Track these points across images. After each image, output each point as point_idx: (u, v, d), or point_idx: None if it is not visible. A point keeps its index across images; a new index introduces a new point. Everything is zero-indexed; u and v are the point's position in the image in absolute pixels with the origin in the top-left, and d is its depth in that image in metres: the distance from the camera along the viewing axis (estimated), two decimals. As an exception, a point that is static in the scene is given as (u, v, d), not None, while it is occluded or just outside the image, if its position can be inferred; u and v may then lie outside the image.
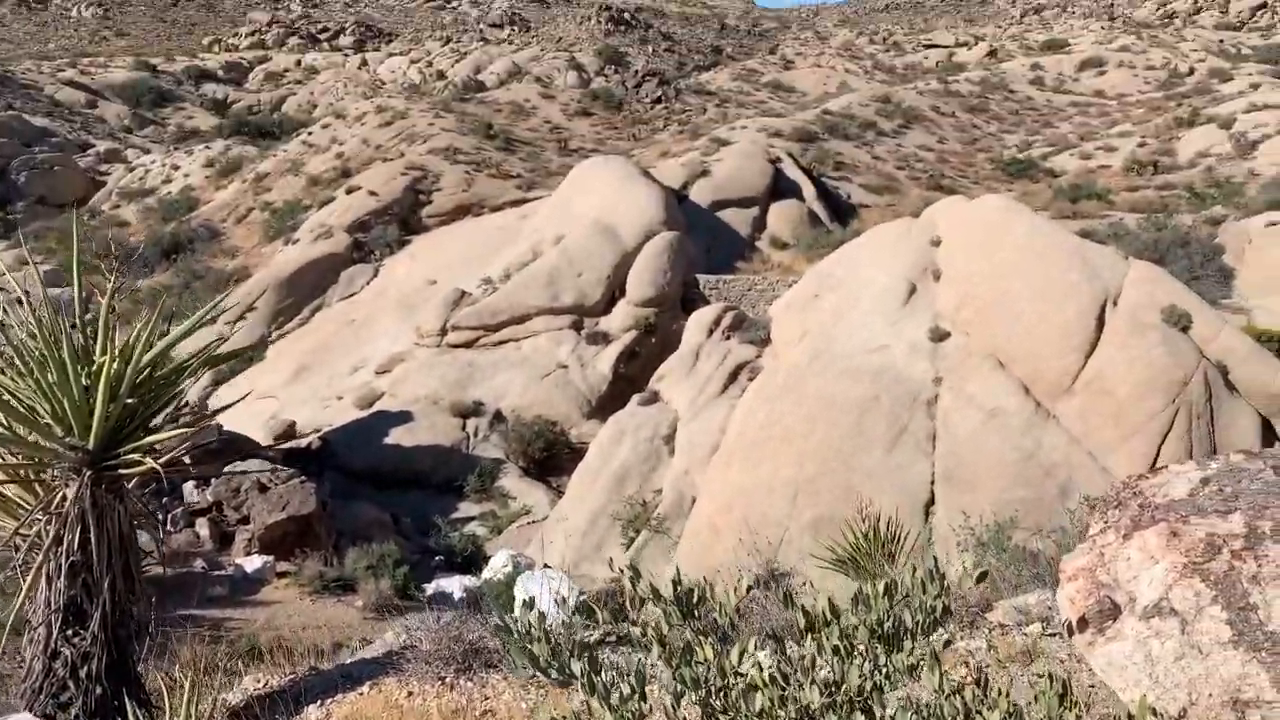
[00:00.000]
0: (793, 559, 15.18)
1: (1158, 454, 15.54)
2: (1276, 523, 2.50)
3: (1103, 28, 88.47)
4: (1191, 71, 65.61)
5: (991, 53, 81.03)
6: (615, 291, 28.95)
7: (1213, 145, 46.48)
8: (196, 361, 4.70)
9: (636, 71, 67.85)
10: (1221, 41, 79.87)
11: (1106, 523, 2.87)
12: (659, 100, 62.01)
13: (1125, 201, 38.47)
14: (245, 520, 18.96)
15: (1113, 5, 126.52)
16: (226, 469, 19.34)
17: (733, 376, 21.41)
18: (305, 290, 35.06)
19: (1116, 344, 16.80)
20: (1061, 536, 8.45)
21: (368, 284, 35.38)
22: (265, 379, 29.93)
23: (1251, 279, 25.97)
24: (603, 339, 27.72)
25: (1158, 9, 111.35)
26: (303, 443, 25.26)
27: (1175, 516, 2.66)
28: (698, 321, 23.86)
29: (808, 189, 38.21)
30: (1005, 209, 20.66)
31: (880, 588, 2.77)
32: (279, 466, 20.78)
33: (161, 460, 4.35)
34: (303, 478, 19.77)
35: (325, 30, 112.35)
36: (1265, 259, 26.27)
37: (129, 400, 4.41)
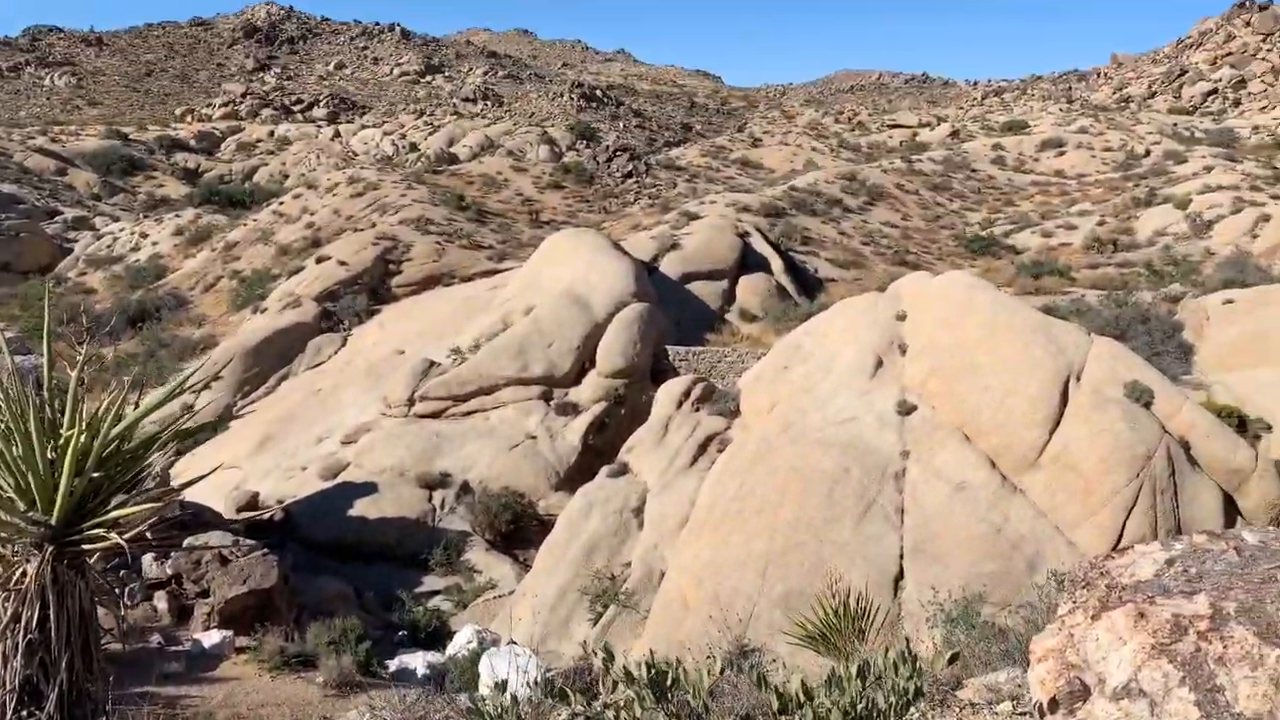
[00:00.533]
0: (763, 634, 15.04)
1: (1123, 528, 15.65)
2: (1240, 604, 2.55)
3: (1061, 110, 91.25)
4: (1148, 153, 67.66)
5: (954, 133, 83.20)
6: (585, 362, 29.00)
7: (1170, 225, 47.79)
8: (166, 435, 4.66)
9: (608, 146, 68.91)
10: (1175, 125, 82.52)
11: (1075, 603, 2.90)
12: (630, 174, 62.91)
13: (1086, 278, 39.29)
14: (205, 594, 18.55)
15: (1070, 89, 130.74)
16: (187, 541, 18.96)
17: (702, 448, 21.41)
18: (272, 359, 34.84)
19: (1081, 418, 17.01)
20: (1030, 613, 8.47)
21: (335, 353, 35.21)
22: (229, 449, 29.53)
23: (1210, 355, 26.44)
24: (572, 410, 27.67)
25: (1114, 93, 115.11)
26: (266, 514, 24.86)
27: (1142, 597, 2.70)
28: (667, 393, 23.92)
29: (776, 263, 38.75)
30: (969, 285, 21.04)
31: (853, 669, 2.77)
32: (241, 539, 20.42)
33: (126, 536, 4.28)
34: (265, 550, 19.41)
35: (299, 102, 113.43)
36: (1223, 336, 26.79)
37: (95, 474, 4.36)
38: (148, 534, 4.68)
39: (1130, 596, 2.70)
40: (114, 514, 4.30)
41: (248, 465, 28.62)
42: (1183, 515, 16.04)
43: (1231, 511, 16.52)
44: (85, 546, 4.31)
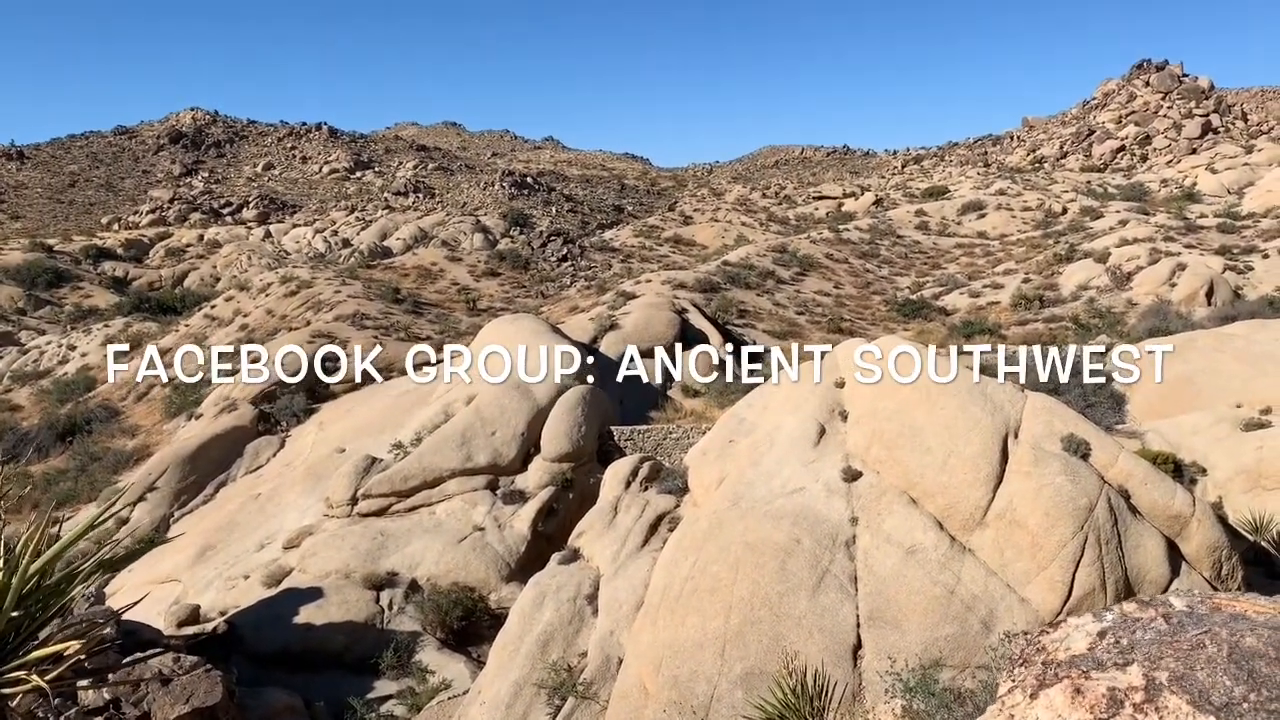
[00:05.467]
0: (725, 716, 14.78)
1: (1073, 581, 15.78)
2: (1172, 673, 2.56)
3: (979, 173, 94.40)
4: (1065, 211, 70.11)
5: (878, 201, 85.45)
6: (530, 448, 28.79)
7: (1092, 278, 49.40)
8: (89, 566, 4.49)
9: (541, 232, 69.59)
10: (1089, 182, 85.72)
11: (1014, 682, 2.89)
12: (565, 258, 63.46)
13: (1016, 335, 40.27)
14: (146, 717, 17.77)
15: (986, 153, 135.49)
16: (125, 662, 18.21)
17: (653, 528, 21.23)
18: (209, 466, 34.07)
19: (1022, 474, 17.23)
20: (987, 676, 8.47)
21: (274, 456, 34.56)
22: (167, 561, 28.63)
23: (1141, 404, 27.13)
24: (519, 497, 27.37)
25: (1028, 155, 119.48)
26: (208, 628, 24.01)
27: (1077, 672, 2.69)
28: (614, 474, 23.76)
29: (714, 336, 39.15)
30: (903, 349, 21.38)
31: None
32: (182, 655, 19.67)
33: (50, 676, 4.09)
34: (208, 665, 18.67)
35: (228, 205, 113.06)
36: (1151, 384, 27.53)
37: (14, 614, 4.18)
38: (84, 660, 4.48)
39: (1066, 672, 2.69)
40: (35, 654, 4.11)
41: (188, 577, 27.74)
42: (1129, 564, 16.23)
43: (1175, 557, 16.76)
44: (4, 691, 4.10)
